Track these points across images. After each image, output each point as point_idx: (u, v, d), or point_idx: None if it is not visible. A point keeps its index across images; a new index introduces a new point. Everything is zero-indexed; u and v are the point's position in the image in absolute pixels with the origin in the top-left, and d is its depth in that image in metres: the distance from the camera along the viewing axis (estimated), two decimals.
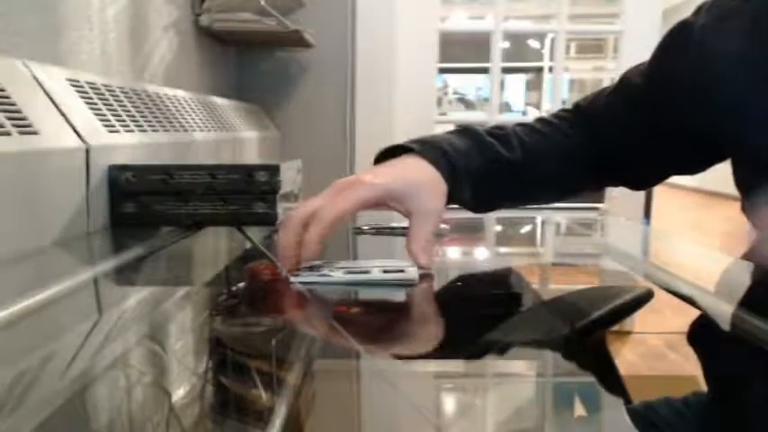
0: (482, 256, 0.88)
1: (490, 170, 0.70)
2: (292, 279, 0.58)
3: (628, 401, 0.85)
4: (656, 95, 0.70)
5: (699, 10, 0.67)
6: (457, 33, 3.01)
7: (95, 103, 0.91)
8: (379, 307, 0.58)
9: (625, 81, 0.76)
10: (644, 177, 0.79)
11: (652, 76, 0.72)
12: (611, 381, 0.91)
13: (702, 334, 0.65)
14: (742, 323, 0.54)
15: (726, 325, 0.57)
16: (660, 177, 0.79)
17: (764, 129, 0.59)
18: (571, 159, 0.76)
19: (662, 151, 0.73)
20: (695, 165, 0.74)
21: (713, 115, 0.64)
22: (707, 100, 0.64)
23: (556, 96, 2.46)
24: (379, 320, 0.55)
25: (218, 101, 1.64)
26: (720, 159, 0.70)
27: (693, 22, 0.67)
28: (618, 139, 0.75)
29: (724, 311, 0.60)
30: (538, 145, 0.75)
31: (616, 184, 0.80)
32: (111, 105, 0.96)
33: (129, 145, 0.93)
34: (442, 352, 0.49)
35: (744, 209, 0.63)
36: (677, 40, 0.69)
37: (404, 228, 0.65)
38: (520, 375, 0.46)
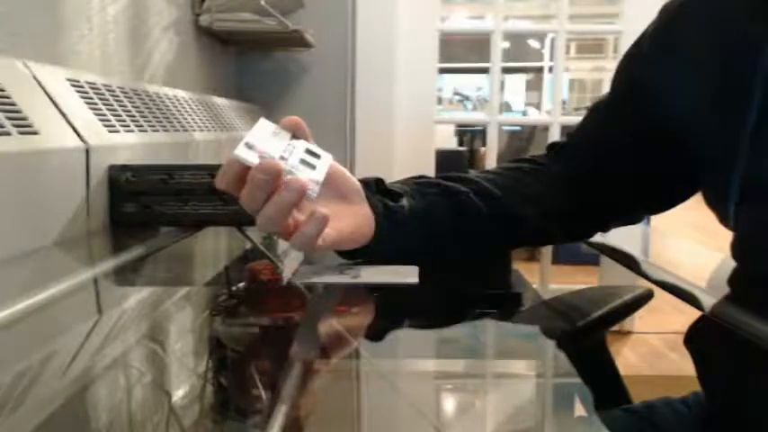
0: None
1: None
2: (292, 279, 0.58)
3: (628, 401, 0.86)
4: (625, 104, 0.71)
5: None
6: (457, 33, 3.01)
7: (95, 103, 0.91)
8: (380, 307, 0.58)
9: (595, 105, 0.76)
10: (629, 203, 0.75)
11: (619, 87, 0.72)
12: (611, 381, 0.92)
13: (700, 336, 0.65)
14: (740, 323, 0.54)
15: (724, 325, 0.57)
16: (646, 204, 0.76)
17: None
18: (552, 190, 0.72)
19: (647, 167, 0.70)
20: (676, 187, 0.71)
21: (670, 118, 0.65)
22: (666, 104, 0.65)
23: (556, 96, 2.47)
24: (379, 320, 0.55)
25: (218, 101, 1.64)
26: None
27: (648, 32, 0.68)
28: (600, 159, 0.72)
29: (722, 312, 0.60)
30: (510, 179, 0.72)
31: (600, 216, 0.75)
32: (111, 105, 0.96)
33: (129, 145, 0.93)
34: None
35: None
36: (636, 50, 0.70)
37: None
38: (520, 375, 0.46)
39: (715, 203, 0.62)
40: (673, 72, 0.64)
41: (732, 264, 0.62)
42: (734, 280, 0.62)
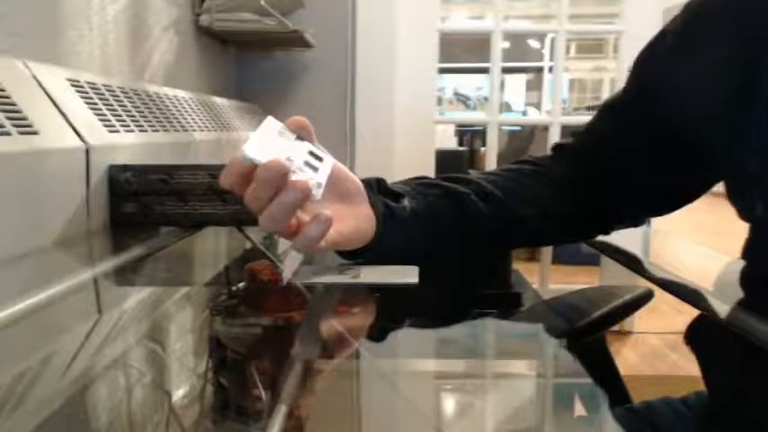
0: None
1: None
2: (292, 279, 0.58)
3: (628, 401, 0.86)
4: (639, 104, 0.70)
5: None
6: (457, 33, 3.01)
7: (95, 103, 0.91)
8: (380, 307, 0.58)
9: (606, 105, 0.76)
10: (635, 205, 0.75)
11: (633, 87, 0.72)
12: (611, 381, 0.92)
13: (700, 334, 0.65)
14: (740, 323, 0.54)
15: (724, 325, 0.57)
16: (654, 205, 0.76)
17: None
18: (558, 191, 0.72)
19: (657, 168, 0.70)
20: (689, 185, 0.71)
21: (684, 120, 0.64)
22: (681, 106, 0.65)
23: (556, 96, 2.47)
24: (379, 320, 0.55)
25: (218, 101, 1.64)
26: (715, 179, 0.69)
27: (668, 32, 0.68)
28: (608, 160, 0.72)
29: (722, 311, 0.60)
30: (511, 180, 0.71)
31: (604, 218, 0.76)
32: (111, 105, 0.96)
33: (129, 145, 0.93)
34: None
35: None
36: (654, 48, 0.69)
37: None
38: (520, 375, 0.46)
39: (737, 200, 0.61)
40: (695, 70, 0.63)
41: (738, 265, 0.62)
42: (745, 279, 0.61)
